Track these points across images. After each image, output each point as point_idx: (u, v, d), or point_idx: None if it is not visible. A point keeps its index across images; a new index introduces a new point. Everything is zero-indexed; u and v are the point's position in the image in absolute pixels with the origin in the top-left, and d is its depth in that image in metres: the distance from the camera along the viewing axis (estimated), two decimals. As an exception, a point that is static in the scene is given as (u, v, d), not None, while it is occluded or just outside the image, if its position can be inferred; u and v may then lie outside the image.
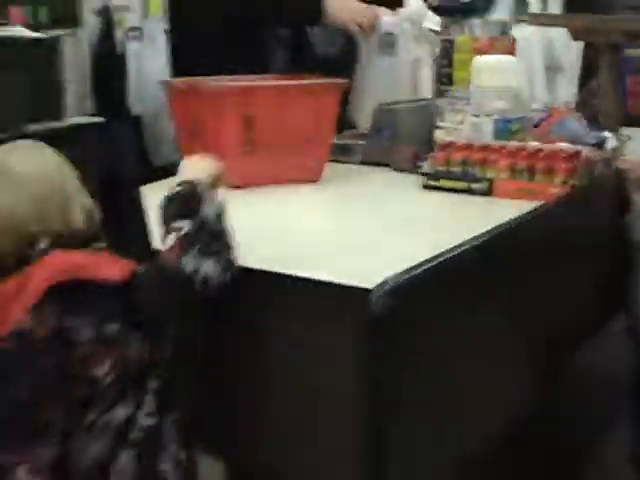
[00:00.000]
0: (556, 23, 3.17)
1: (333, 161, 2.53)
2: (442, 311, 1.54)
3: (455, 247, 1.62)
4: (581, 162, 2.17)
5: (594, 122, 2.66)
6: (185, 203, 1.56)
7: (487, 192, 2.18)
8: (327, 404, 1.48)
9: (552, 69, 3.35)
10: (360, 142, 2.74)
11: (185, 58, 2.84)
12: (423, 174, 2.30)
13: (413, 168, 2.45)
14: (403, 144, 2.55)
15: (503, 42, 3.31)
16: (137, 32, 4.17)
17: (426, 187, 2.27)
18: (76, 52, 3.46)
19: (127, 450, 1.43)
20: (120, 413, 1.42)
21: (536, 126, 2.47)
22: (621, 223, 2.41)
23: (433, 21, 3.03)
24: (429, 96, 3.01)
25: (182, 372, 1.55)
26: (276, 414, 1.58)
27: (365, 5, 2.96)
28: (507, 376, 1.85)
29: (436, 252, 1.57)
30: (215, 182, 1.68)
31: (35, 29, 3.20)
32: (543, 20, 3.27)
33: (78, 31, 3.74)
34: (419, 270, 1.48)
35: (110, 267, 1.42)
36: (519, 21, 3.58)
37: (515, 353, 1.90)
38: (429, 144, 2.41)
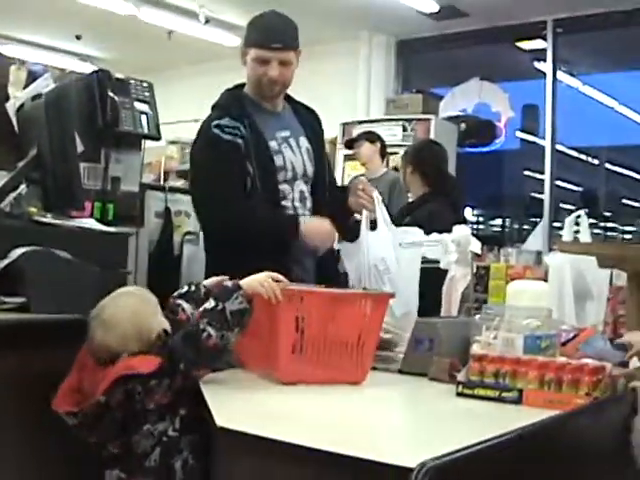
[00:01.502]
0: (585, 251, 3.38)
1: (373, 369, 2.72)
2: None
3: (487, 440, 1.79)
4: (605, 376, 2.34)
5: (620, 346, 2.83)
6: (222, 293, 2.44)
7: (517, 401, 2.34)
8: None
9: (582, 296, 3.53)
10: (399, 354, 2.93)
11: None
12: (458, 383, 2.47)
13: (449, 379, 2.61)
14: (440, 356, 2.72)
15: (536, 271, 3.53)
16: (194, 236, 4.50)
17: (460, 394, 2.43)
18: (137, 248, 3.77)
19: (158, 447, 2.34)
20: (160, 427, 2.35)
21: (564, 344, 2.67)
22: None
23: (476, 246, 3.29)
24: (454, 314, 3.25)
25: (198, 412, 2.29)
26: None
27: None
28: None
29: (469, 443, 1.74)
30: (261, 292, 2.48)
31: (102, 223, 3.51)
32: (573, 248, 3.48)
33: (140, 230, 4.07)
34: (455, 455, 1.65)
35: (148, 363, 2.29)
36: (552, 249, 3.82)
37: None
38: (465, 356, 2.58)
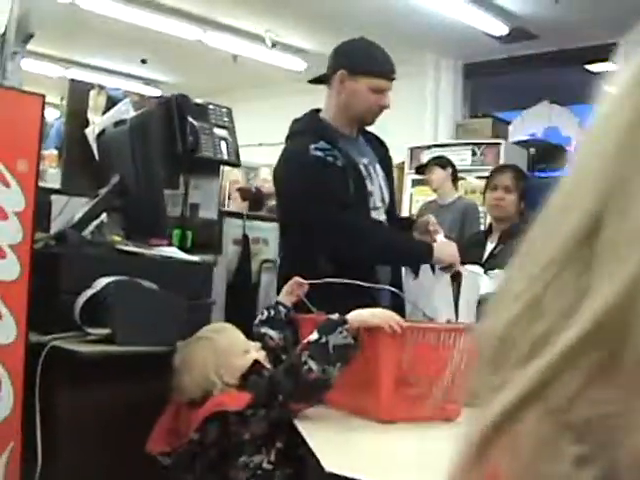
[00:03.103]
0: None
1: (467, 405, 2.62)
2: None
3: None
4: None
5: None
6: (326, 326, 2.33)
7: None
8: None
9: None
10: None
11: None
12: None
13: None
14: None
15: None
16: (271, 264, 4.37)
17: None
18: (216, 276, 3.62)
19: None
20: (256, 459, 2.33)
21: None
22: None
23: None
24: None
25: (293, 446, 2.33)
26: None
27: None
28: None
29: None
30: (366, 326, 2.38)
31: (181, 251, 3.39)
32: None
33: (219, 258, 3.96)
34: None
35: (238, 400, 2.28)
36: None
37: None
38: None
